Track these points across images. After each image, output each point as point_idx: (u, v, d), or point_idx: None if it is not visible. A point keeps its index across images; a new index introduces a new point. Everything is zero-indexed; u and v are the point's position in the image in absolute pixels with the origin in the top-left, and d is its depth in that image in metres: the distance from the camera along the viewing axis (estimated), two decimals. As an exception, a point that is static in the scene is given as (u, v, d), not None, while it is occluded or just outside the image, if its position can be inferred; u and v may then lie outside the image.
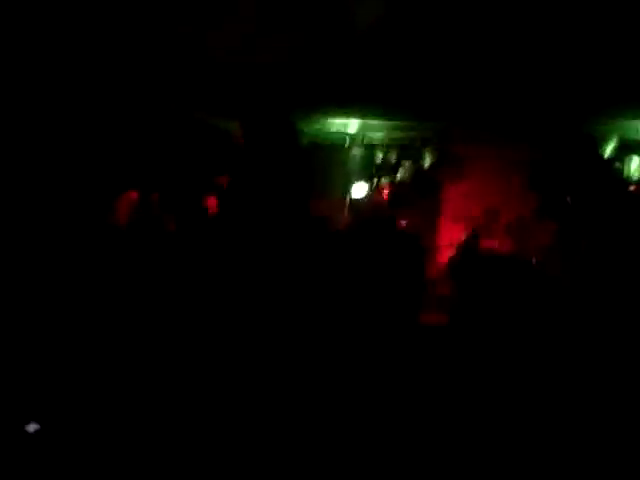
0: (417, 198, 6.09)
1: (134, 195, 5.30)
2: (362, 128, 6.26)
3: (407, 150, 6.20)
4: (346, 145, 6.31)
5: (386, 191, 6.18)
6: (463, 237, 5.85)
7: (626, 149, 6.01)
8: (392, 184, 6.19)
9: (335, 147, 6.35)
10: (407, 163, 6.15)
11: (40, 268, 4.53)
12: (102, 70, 4.97)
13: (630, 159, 5.99)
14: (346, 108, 5.81)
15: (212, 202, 5.46)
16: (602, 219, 5.76)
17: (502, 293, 5.04)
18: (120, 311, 4.41)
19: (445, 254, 5.81)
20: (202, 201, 5.55)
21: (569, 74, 4.84)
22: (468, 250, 5.53)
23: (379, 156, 6.26)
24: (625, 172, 5.92)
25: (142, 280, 4.67)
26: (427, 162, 6.17)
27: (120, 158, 5.50)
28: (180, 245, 5.04)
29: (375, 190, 6.18)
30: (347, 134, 6.31)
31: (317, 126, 6.21)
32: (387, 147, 6.23)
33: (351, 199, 6.14)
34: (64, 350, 4.05)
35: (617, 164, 5.94)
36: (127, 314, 4.40)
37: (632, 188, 5.99)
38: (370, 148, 6.29)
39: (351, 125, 6.20)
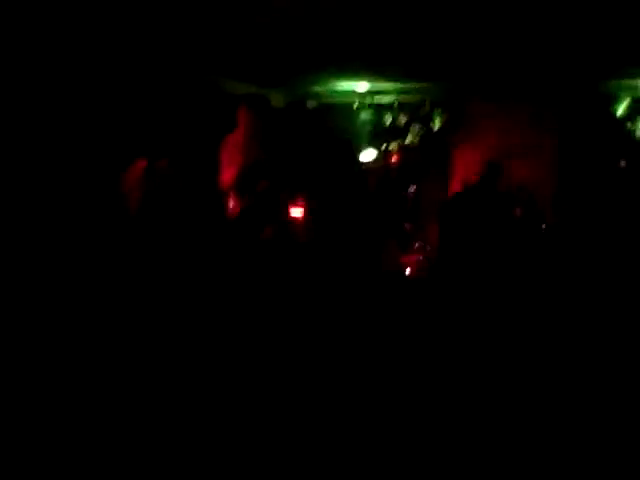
0: (427, 162, 6.02)
1: (142, 164, 4.91)
2: (371, 89, 6.16)
3: (417, 112, 6.10)
4: (355, 107, 6.20)
5: (395, 156, 6.10)
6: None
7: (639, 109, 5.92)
8: (401, 148, 6.10)
9: (343, 109, 6.25)
10: (417, 126, 6.06)
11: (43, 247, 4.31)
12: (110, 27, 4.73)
13: (642, 119, 5.90)
14: (354, 69, 5.68)
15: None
16: (612, 178, 5.72)
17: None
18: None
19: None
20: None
21: (584, 31, 4.75)
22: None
23: (388, 119, 6.17)
24: (637, 132, 5.84)
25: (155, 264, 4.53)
26: (437, 124, 6.08)
27: (124, 124, 5.13)
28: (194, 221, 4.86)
29: (384, 155, 6.10)
30: (356, 95, 6.19)
31: (325, 87, 6.11)
32: (396, 109, 6.12)
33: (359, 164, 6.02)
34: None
35: (628, 124, 5.87)
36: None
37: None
38: (379, 110, 6.19)
39: (360, 86, 6.09)
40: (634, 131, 5.80)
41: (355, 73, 5.72)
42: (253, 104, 5.57)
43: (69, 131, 4.84)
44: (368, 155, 6.04)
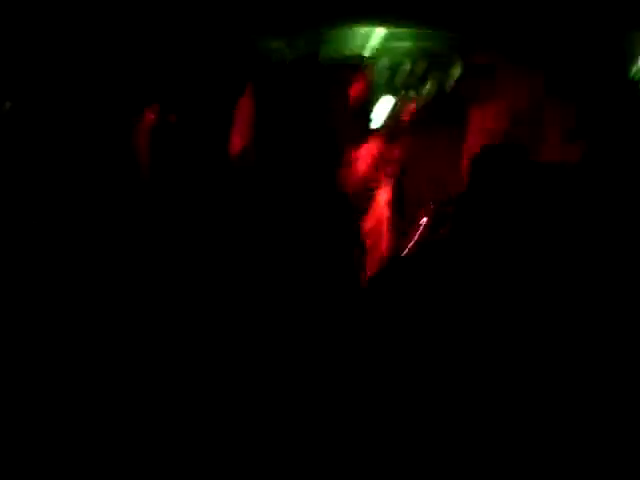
0: (439, 121, 5.66)
1: (151, 116, 4.85)
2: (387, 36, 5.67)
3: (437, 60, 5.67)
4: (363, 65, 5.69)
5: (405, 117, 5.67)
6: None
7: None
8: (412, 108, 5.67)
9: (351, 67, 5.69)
10: (437, 74, 5.63)
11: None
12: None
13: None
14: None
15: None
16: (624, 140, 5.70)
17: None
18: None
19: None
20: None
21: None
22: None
23: (406, 67, 5.70)
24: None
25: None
26: (454, 77, 5.69)
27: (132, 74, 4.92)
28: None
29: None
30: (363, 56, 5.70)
31: (334, 45, 5.56)
32: (415, 56, 5.67)
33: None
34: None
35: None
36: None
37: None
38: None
39: (371, 42, 5.59)
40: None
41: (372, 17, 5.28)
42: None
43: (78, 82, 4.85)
44: (382, 111, 5.56)
